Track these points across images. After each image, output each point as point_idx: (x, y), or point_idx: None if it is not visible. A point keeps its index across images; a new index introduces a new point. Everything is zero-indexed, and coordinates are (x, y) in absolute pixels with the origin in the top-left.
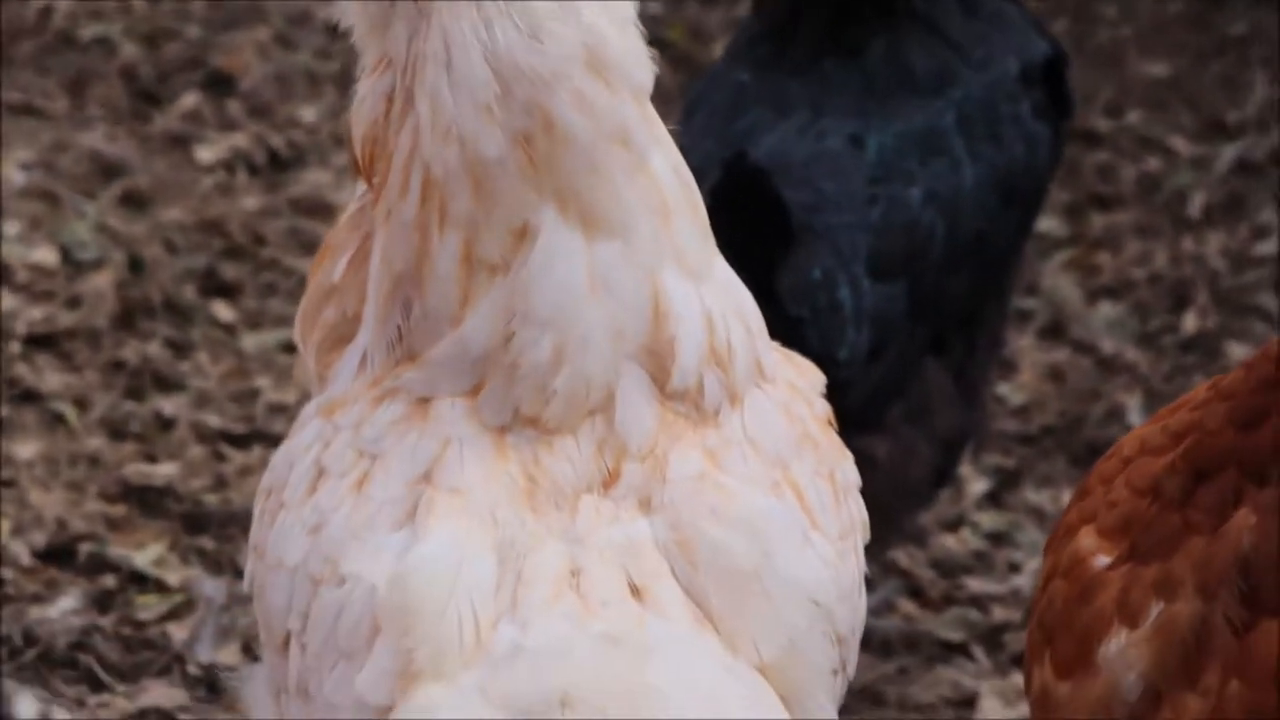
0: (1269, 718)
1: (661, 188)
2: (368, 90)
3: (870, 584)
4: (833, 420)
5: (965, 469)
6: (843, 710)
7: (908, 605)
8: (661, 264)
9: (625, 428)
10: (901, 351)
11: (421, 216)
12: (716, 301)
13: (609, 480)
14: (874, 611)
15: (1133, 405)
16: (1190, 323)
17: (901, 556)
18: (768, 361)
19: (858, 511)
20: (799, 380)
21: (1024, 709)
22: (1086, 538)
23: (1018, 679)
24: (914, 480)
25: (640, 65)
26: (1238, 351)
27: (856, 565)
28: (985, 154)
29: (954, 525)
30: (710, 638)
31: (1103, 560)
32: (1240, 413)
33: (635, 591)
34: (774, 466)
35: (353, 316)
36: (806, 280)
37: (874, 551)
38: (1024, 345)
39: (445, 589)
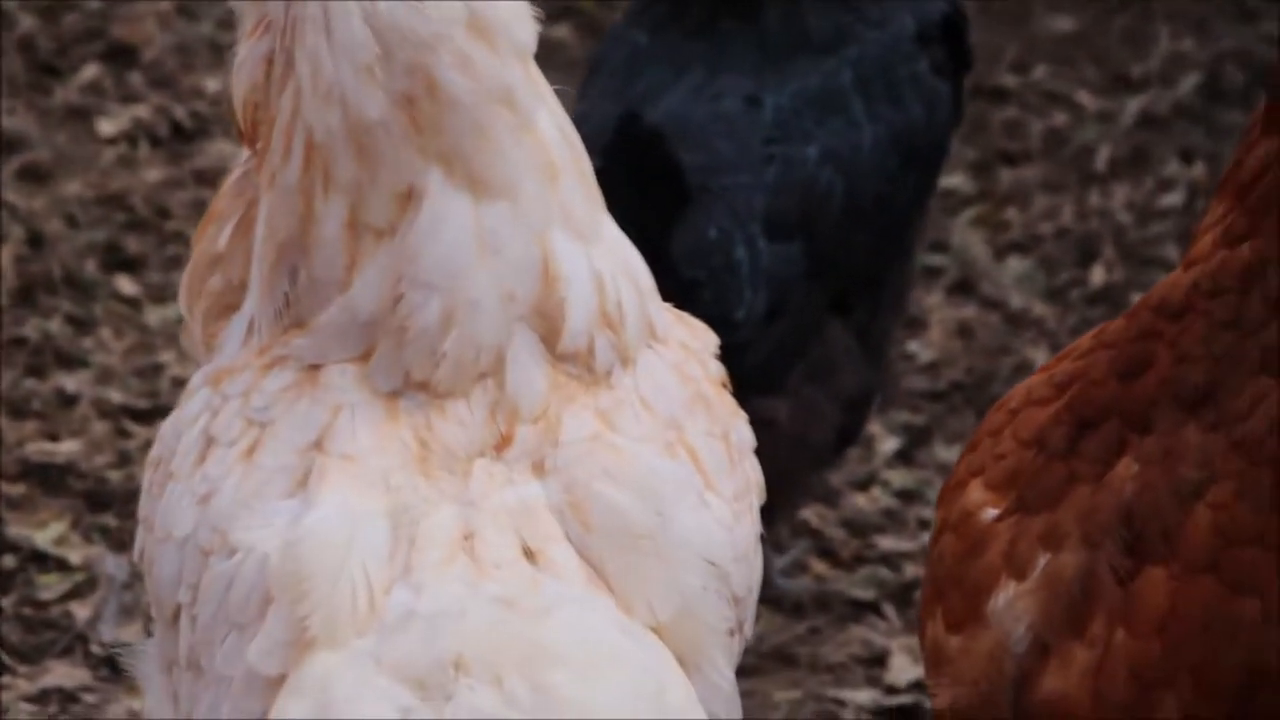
0: (1153, 667)
1: (548, 148)
2: (247, 53)
3: (781, 545)
4: (727, 382)
5: (875, 427)
6: (754, 671)
7: (819, 565)
8: (550, 225)
9: (517, 390)
10: (801, 312)
11: (305, 181)
12: (606, 262)
13: (502, 443)
14: (785, 573)
15: (1041, 360)
16: (1097, 276)
17: (812, 517)
18: (659, 322)
19: (753, 472)
20: (692, 341)
21: None
22: (975, 491)
23: None
24: (818, 441)
25: (523, 25)
26: None
27: (752, 526)
28: (884, 113)
29: (864, 484)
30: (604, 599)
31: (991, 513)
32: (1122, 362)
33: (529, 554)
34: (668, 427)
35: (238, 284)
36: (702, 241)
37: (782, 513)
38: (933, 302)
39: (338, 556)
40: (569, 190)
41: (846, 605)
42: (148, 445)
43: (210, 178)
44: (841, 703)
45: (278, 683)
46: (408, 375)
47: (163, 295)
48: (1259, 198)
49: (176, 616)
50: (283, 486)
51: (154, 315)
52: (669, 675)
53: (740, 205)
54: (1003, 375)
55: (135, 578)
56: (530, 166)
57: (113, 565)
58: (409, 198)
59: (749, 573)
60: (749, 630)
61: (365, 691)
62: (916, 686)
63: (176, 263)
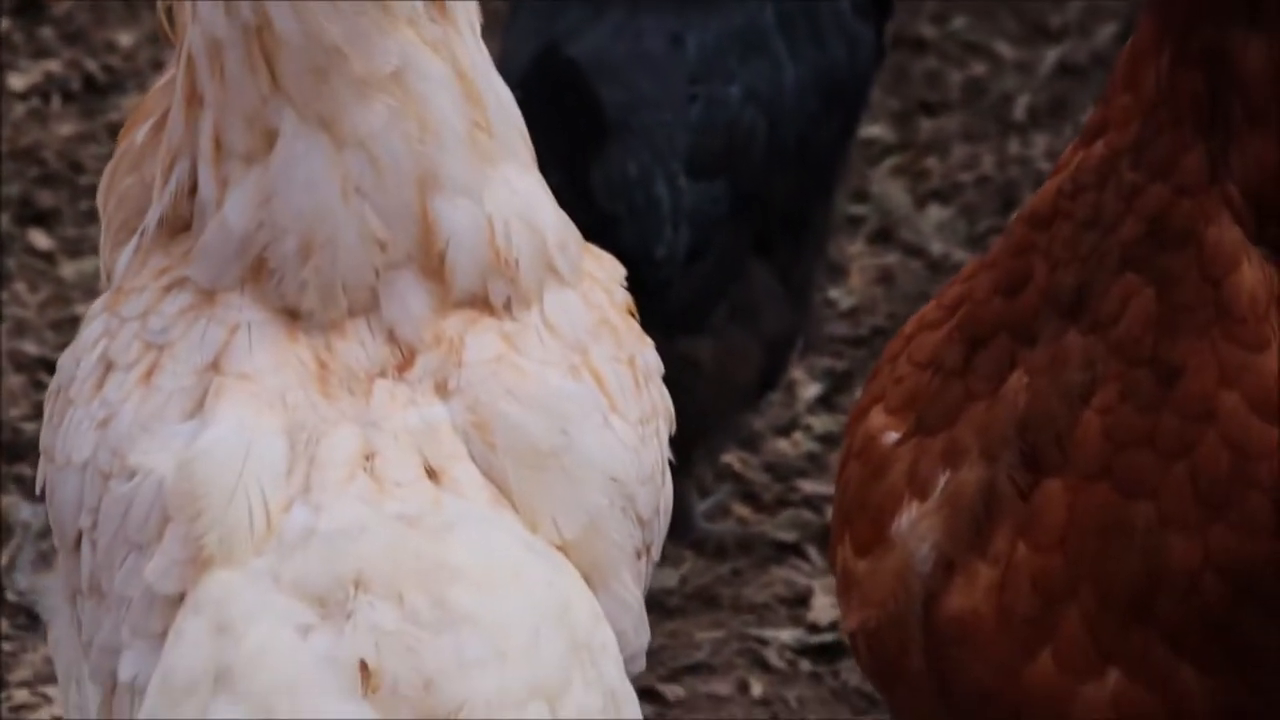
0: (1055, 580)
1: (417, 102)
2: None
3: (704, 489)
4: (633, 310)
5: (797, 373)
6: (677, 612)
7: (742, 509)
8: (429, 176)
9: (397, 328)
10: (724, 252)
11: (186, 89)
12: (499, 208)
13: (404, 365)
14: (708, 516)
15: None
16: None
17: (734, 461)
18: (564, 266)
19: (660, 398)
20: (597, 271)
21: None
22: (876, 416)
23: None
24: (741, 382)
25: None
26: None
27: (659, 450)
28: (806, 54)
29: (786, 429)
30: (509, 516)
31: (892, 436)
32: (1004, 279)
33: (431, 474)
34: (572, 351)
35: (149, 182)
36: (621, 177)
37: (706, 453)
38: (854, 250)
39: (233, 473)
40: (449, 140)
41: (769, 547)
42: None
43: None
44: (765, 641)
45: (177, 602)
46: (283, 300)
47: (78, 249)
48: (1113, 88)
49: (78, 543)
50: (181, 408)
51: (69, 269)
52: (574, 591)
53: (662, 143)
54: None
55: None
56: (392, 120)
57: (28, 513)
58: (269, 134)
59: (655, 495)
60: (657, 554)
61: (264, 609)
62: (837, 624)
63: (91, 217)
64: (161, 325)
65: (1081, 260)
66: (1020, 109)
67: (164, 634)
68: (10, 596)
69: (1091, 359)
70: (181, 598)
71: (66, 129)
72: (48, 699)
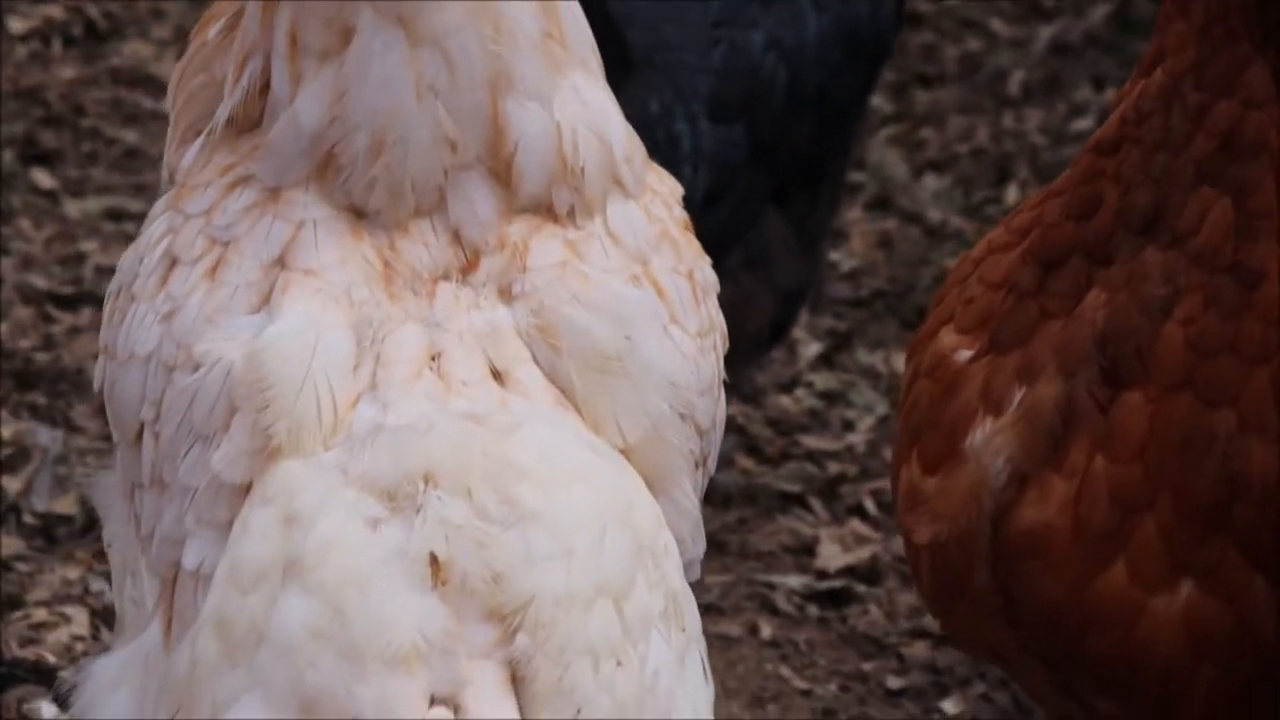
0: (1133, 490)
1: (492, 8)
2: None
3: None
4: (690, 226)
5: (798, 332)
6: None
7: (745, 461)
8: (502, 79)
9: (466, 231)
10: (741, 197)
11: None
12: (568, 116)
13: (467, 267)
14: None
15: None
16: (1013, 194)
17: (738, 415)
18: (629, 178)
19: (716, 314)
20: (659, 186)
21: (862, 552)
22: (946, 336)
23: (856, 525)
24: (752, 329)
25: None
26: None
27: (715, 364)
28: (830, 5)
29: (789, 386)
30: (574, 418)
31: (964, 355)
32: (1075, 205)
33: (496, 375)
34: (634, 261)
35: (219, 81)
36: (643, 113)
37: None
38: (853, 217)
39: (301, 365)
40: (522, 45)
41: (774, 498)
42: (73, 331)
43: (126, 77)
44: (773, 586)
45: (243, 491)
46: (350, 197)
47: (81, 189)
48: (1165, 17)
49: (139, 436)
50: (246, 301)
51: (73, 208)
52: (638, 494)
53: (684, 84)
54: (923, 285)
55: (69, 450)
56: (468, 19)
57: (46, 437)
58: (345, 31)
59: (713, 407)
60: (712, 466)
61: (333, 501)
62: (847, 572)
63: (93, 159)
64: (226, 221)
65: (1154, 180)
66: (1014, 84)
67: (229, 523)
68: (28, 519)
69: (1172, 272)
70: (248, 488)
71: (68, 72)
72: (66, 618)
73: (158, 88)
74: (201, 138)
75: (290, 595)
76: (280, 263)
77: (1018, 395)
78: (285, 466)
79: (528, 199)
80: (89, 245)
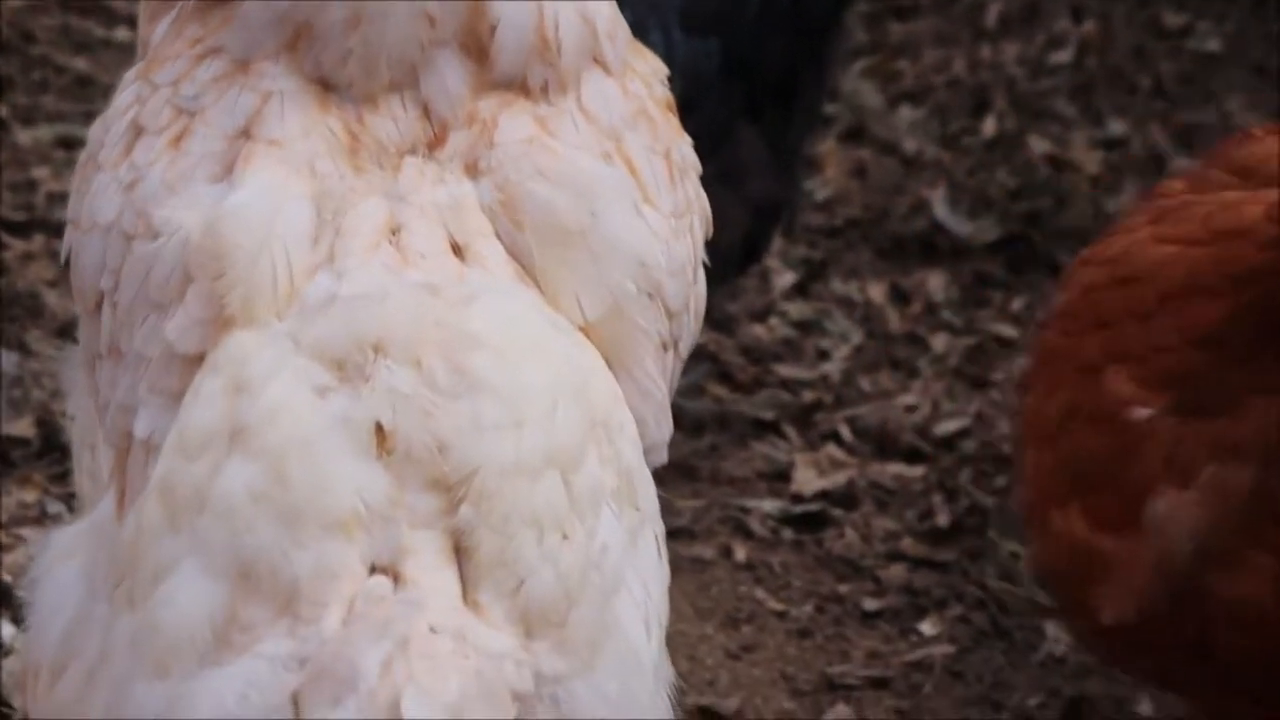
0: None
1: None
2: None
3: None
4: (673, 106)
5: (772, 261)
6: (658, 481)
7: (718, 389)
8: None
9: (436, 106)
10: (713, 111)
11: None
12: None
13: (435, 143)
14: (684, 394)
15: (937, 198)
16: (990, 125)
17: (710, 343)
18: (610, 56)
19: (695, 195)
20: (640, 64)
21: (838, 477)
22: (1122, 383)
23: (831, 451)
24: (725, 243)
25: None
26: (1040, 146)
27: (692, 247)
28: None
29: (762, 315)
30: (532, 293)
31: (1143, 412)
32: None
33: (456, 249)
34: (607, 138)
35: None
36: None
37: None
38: (828, 147)
39: (259, 235)
40: None
41: (747, 424)
42: (26, 257)
43: (76, 5)
44: (746, 510)
45: (196, 361)
46: (320, 70)
47: (31, 116)
48: None
49: (99, 306)
50: (209, 171)
51: (25, 135)
52: (594, 370)
53: None
54: (898, 213)
55: (24, 373)
56: None
57: (1, 361)
58: None
59: (685, 290)
60: (685, 352)
61: (282, 369)
62: (822, 496)
63: (44, 86)
64: (194, 92)
65: None
66: (991, 16)
67: (181, 393)
68: None
69: None
70: (201, 358)
71: (17, 1)
72: (22, 540)
73: (108, 15)
74: (174, 10)
75: (234, 461)
76: (245, 134)
77: (1208, 470)
78: (237, 336)
79: (502, 76)
80: (40, 172)
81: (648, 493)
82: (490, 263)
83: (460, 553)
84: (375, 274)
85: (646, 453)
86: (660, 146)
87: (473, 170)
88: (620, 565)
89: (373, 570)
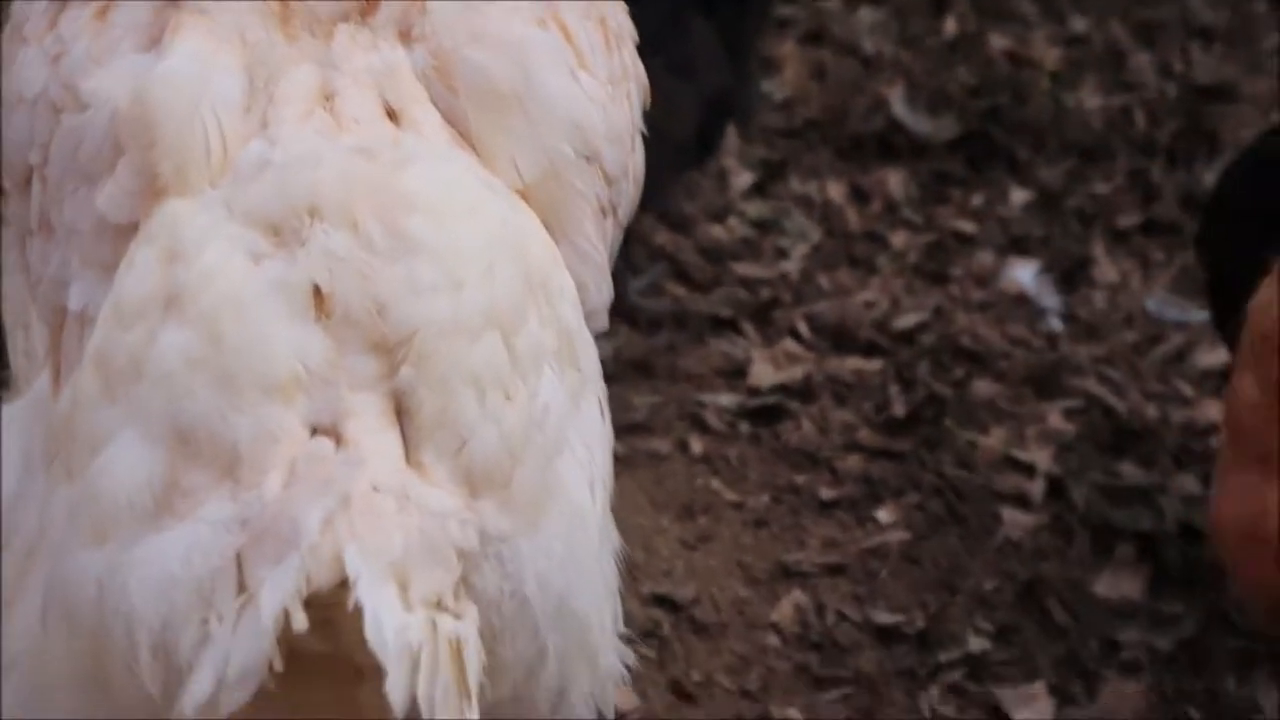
0: None
1: None
2: None
3: (637, 267)
4: None
5: (730, 161)
6: (610, 379)
7: (676, 288)
8: None
9: None
10: (666, 3)
11: None
12: None
13: (367, 10)
14: (642, 293)
15: (896, 97)
16: (951, 25)
17: (668, 243)
18: None
19: (632, 63)
20: None
21: (795, 371)
22: None
23: (789, 346)
24: (677, 136)
25: None
26: (999, 44)
27: (630, 114)
28: None
29: (720, 215)
30: (469, 156)
31: None
32: None
33: (391, 115)
34: (541, 4)
35: None
36: None
37: (635, 223)
38: (786, 49)
39: (189, 102)
40: None
41: (705, 322)
42: None
43: None
44: (703, 405)
45: (129, 232)
46: None
47: None
48: None
49: (28, 181)
50: (136, 42)
51: None
52: (532, 232)
53: None
54: (857, 113)
55: None
56: None
57: None
58: None
59: (624, 156)
60: (624, 218)
61: (217, 235)
62: (780, 389)
63: None
64: None
65: None
66: None
67: (115, 264)
68: None
69: None
70: (134, 228)
71: None
72: None
73: None
74: None
75: (169, 328)
76: (172, 3)
77: None
78: (170, 205)
79: None
80: None
81: (589, 355)
82: (425, 127)
83: (402, 414)
84: (309, 140)
85: (588, 317)
86: (595, 12)
87: (406, 37)
88: (563, 426)
89: (314, 433)
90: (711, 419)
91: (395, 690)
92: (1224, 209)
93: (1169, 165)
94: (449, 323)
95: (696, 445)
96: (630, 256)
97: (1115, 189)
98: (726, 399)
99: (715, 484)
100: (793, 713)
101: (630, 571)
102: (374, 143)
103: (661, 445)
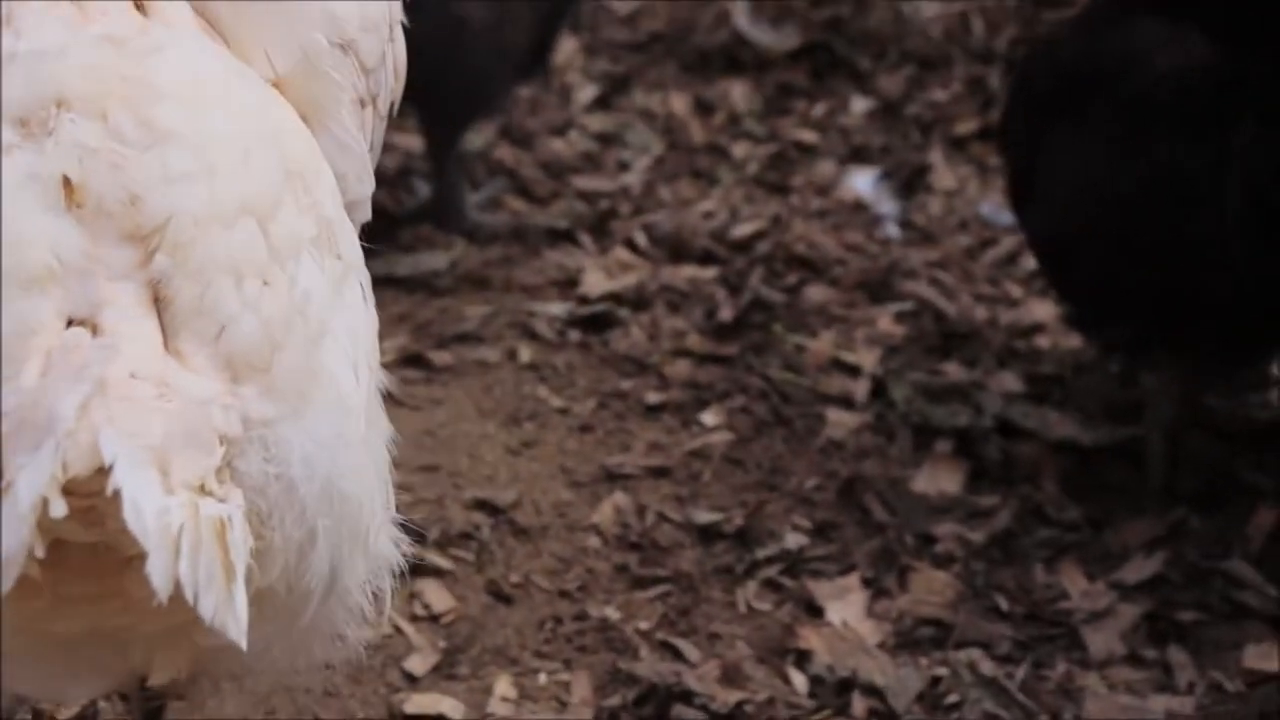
0: None
1: None
2: None
3: (476, 182)
4: None
5: (573, 76)
6: (445, 292)
7: (515, 203)
8: None
9: None
10: None
11: None
12: None
13: None
14: (481, 208)
15: (739, 10)
16: None
17: (508, 158)
18: None
19: None
20: None
21: (628, 280)
22: None
23: (623, 255)
24: (512, 46)
25: None
26: None
27: (388, 4)
28: None
29: (562, 130)
30: (220, 46)
31: None
32: None
33: (139, 6)
34: None
35: None
36: None
37: (471, 121)
38: None
39: None
40: None
41: (542, 235)
42: None
43: None
44: (534, 314)
45: None
46: None
47: None
48: None
49: None
50: None
51: None
52: (286, 120)
53: None
54: (703, 26)
55: None
56: None
57: None
58: None
59: (380, 45)
60: (383, 110)
61: None
62: (610, 298)
63: None
64: None
65: None
66: None
67: None
68: None
69: None
70: None
71: None
72: None
73: None
74: None
75: None
76: None
77: None
78: None
79: None
80: None
81: (351, 242)
82: (174, 17)
83: (159, 303)
84: (54, 30)
85: (349, 207)
86: None
87: None
88: (325, 312)
89: (70, 324)
90: (541, 328)
91: (156, 573)
92: (1018, 99)
93: (1007, 72)
94: (203, 210)
95: (525, 353)
96: (470, 171)
97: (953, 97)
98: (557, 308)
99: (542, 391)
100: (610, 611)
101: (453, 478)
102: (122, 32)
103: (491, 354)
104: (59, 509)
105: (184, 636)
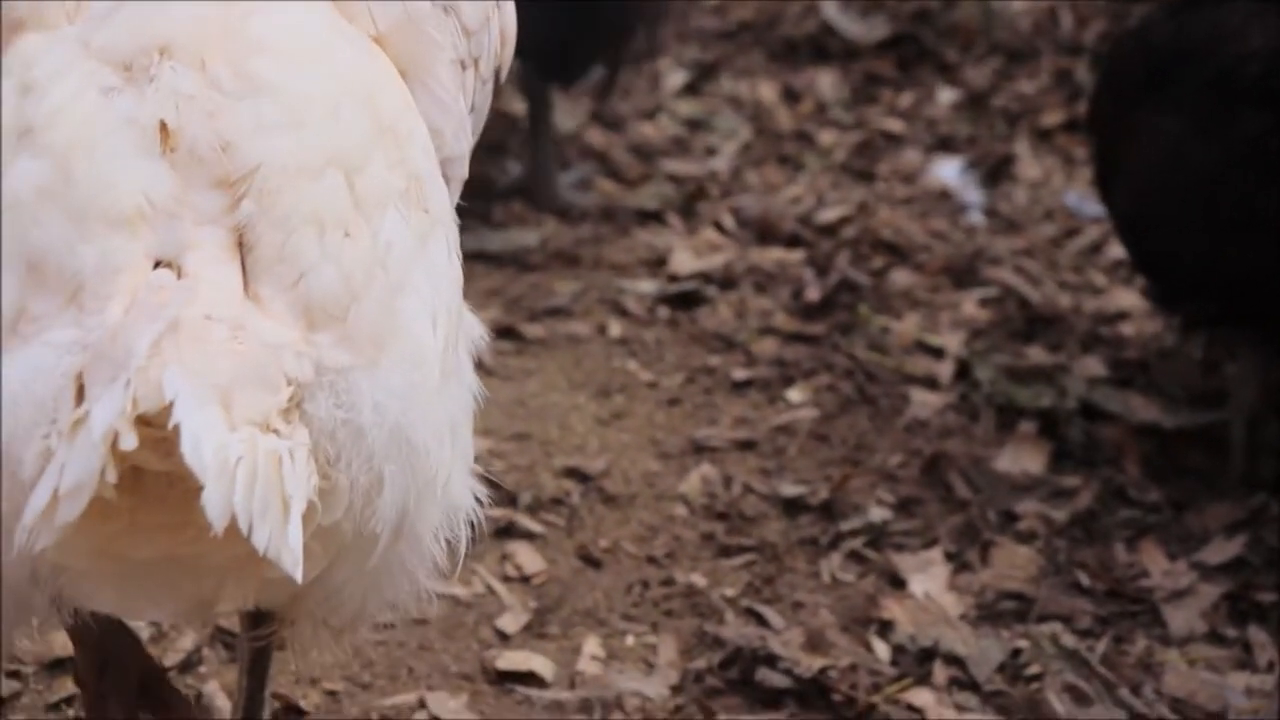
0: None
1: None
2: None
3: (568, 164)
4: None
5: (663, 63)
6: (536, 268)
7: (606, 185)
8: None
9: None
10: None
11: None
12: None
13: None
14: (572, 188)
15: (829, 3)
16: None
17: (600, 141)
18: None
19: None
20: None
21: (715, 260)
22: None
23: (711, 236)
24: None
25: None
26: None
27: None
28: None
29: (652, 114)
30: (321, 2)
31: None
32: None
33: None
34: None
35: None
36: None
37: (568, 122)
38: None
39: None
40: None
41: (632, 215)
42: None
43: None
44: (623, 291)
45: None
46: None
47: None
48: None
49: None
50: None
51: None
52: (384, 77)
53: None
54: (791, 17)
55: None
56: None
57: None
58: None
59: (484, 9)
60: (486, 73)
61: (70, 70)
62: (699, 276)
63: None
64: None
65: None
66: None
67: None
68: None
69: None
70: None
71: None
72: None
73: None
74: None
75: (22, 159)
76: None
77: None
78: (27, 39)
79: None
80: None
81: (440, 198)
82: None
83: (243, 249)
84: None
85: (445, 163)
86: None
87: None
88: (406, 265)
89: (157, 265)
90: (631, 304)
91: (211, 504)
92: (1107, 82)
93: (1094, 66)
94: (291, 161)
95: (615, 328)
96: (561, 153)
97: (1040, 89)
98: (647, 285)
99: (632, 365)
100: (696, 578)
101: (544, 446)
102: None
103: (581, 328)
104: (129, 441)
105: (250, 567)
